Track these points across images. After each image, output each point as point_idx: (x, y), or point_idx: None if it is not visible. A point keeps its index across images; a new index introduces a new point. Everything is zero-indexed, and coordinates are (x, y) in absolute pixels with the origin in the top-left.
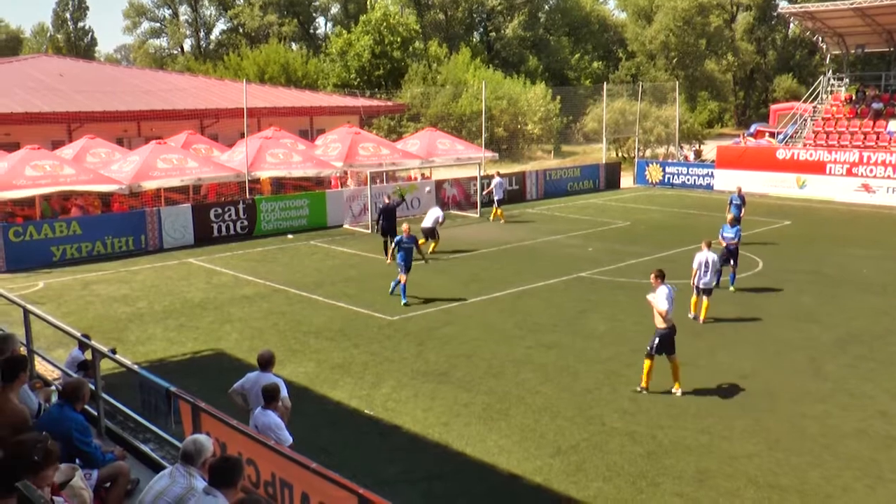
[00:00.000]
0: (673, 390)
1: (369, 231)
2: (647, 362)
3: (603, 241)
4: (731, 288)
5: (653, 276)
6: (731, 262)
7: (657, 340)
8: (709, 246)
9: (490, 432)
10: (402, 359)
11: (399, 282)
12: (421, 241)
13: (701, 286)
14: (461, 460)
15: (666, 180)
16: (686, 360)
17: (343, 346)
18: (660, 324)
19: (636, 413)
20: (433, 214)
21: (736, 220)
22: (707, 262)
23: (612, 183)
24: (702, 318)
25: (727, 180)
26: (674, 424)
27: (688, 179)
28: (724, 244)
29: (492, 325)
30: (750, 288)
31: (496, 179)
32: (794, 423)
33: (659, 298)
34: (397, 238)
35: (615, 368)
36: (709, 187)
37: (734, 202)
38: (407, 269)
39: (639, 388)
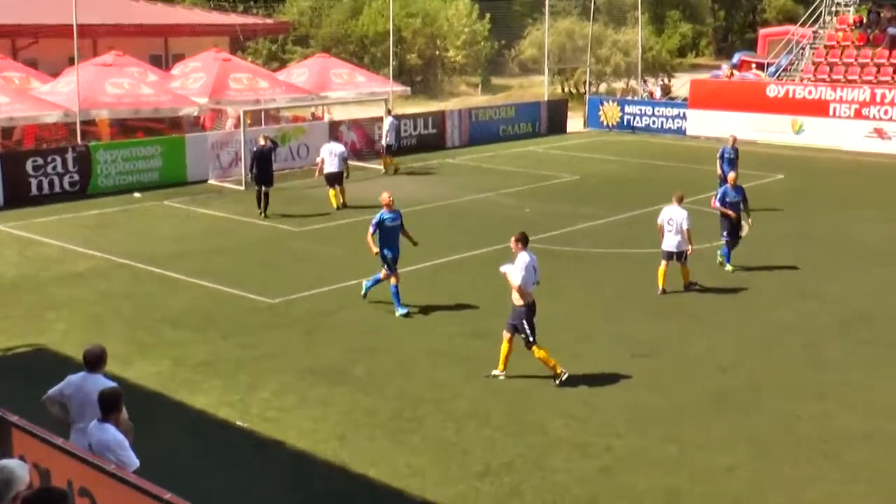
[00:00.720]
0: (494, 372)
1: (242, 187)
2: (536, 351)
3: (544, 201)
4: (729, 266)
5: (513, 239)
6: (733, 234)
7: (528, 323)
8: (680, 201)
9: (399, 448)
10: (286, 353)
11: (378, 279)
12: (332, 192)
13: (667, 249)
14: (362, 484)
15: (625, 123)
16: (649, 348)
17: (209, 338)
18: (517, 300)
19: (586, 418)
20: (334, 151)
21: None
22: (674, 221)
23: (557, 126)
24: (685, 282)
25: (703, 123)
26: (634, 431)
27: (653, 122)
28: (726, 211)
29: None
30: (734, 255)
31: (388, 120)
32: (787, 425)
33: (514, 270)
34: (377, 217)
35: (560, 361)
36: (680, 132)
37: (726, 156)
38: (394, 260)
39: (495, 373)
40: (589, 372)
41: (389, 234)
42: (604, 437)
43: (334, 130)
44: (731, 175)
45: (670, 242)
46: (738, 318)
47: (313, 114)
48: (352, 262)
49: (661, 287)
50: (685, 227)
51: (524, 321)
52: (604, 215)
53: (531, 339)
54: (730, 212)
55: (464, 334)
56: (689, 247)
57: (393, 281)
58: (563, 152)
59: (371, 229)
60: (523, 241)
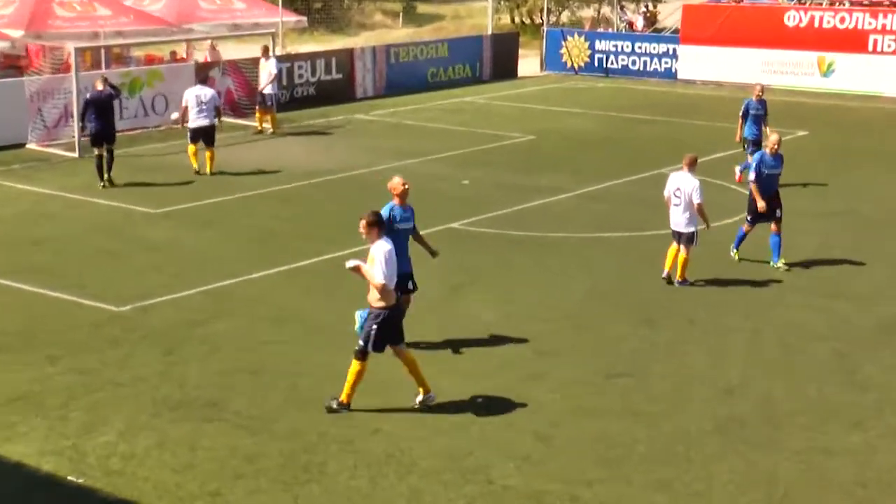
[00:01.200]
0: (417, 399)
1: (75, 153)
2: (355, 365)
3: (488, 169)
4: (778, 263)
5: (364, 222)
6: (760, 218)
7: (375, 329)
8: (691, 165)
9: None
10: (137, 380)
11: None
12: (192, 148)
13: (674, 228)
14: None
15: (596, 64)
16: (630, 364)
17: (29, 362)
18: (375, 301)
19: (544, 459)
20: (203, 97)
21: (758, 144)
22: (682, 192)
23: (505, 69)
24: (677, 276)
25: (700, 63)
26: (609, 476)
27: (633, 63)
28: (757, 196)
29: (295, 317)
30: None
31: (269, 64)
32: (813, 464)
33: (375, 267)
34: (386, 210)
35: (508, 383)
36: (669, 75)
37: (752, 112)
38: (405, 282)
39: (335, 405)
40: (549, 396)
41: (398, 242)
42: (568, 484)
43: (203, 76)
44: (773, 138)
45: (677, 220)
46: (749, 322)
47: (174, 53)
48: (229, 253)
49: (666, 270)
50: (696, 200)
51: (374, 325)
52: (569, 187)
53: (366, 347)
54: (759, 200)
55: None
56: (704, 225)
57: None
58: (513, 104)
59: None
60: (378, 224)
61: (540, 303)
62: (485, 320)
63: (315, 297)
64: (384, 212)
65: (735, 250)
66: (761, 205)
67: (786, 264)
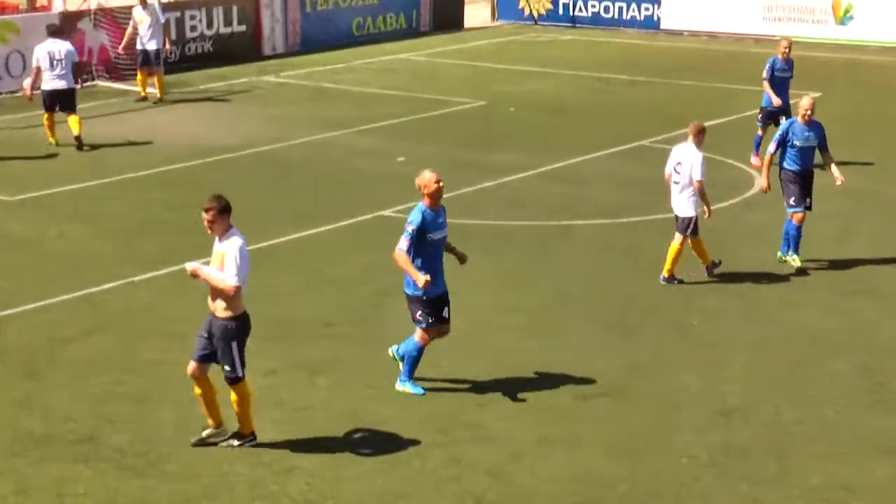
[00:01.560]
0: (233, 443)
1: None
2: (238, 391)
3: (430, 143)
4: (794, 259)
5: (211, 212)
6: (803, 199)
7: (236, 349)
8: (697, 136)
9: None
10: None
11: (419, 345)
12: (47, 117)
13: (676, 213)
14: None
15: (561, 11)
16: (607, 383)
17: None
18: (222, 311)
19: (500, 501)
20: (57, 54)
21: (787, 111)
22: (683, 168)
23: (448, 18)
24: (663, 272)
25: (688, 10)
26: None
27: (606, 9)
28: (766, 160)
29: (190, 331)
30: (742, 227)
31: (148, 12)
32: None
33: (227, 267)
34: (415, 218)
35: (456, 408)
36: (650, 24)
37: (777, 73)
38: (436, 304)
39: (219, 436)
40: (507, 424)
41: (432, 251)
42: None
43: (55, 28)
44: (805, 101)
45: (678, 203)
46: (751, 329)
47: (32, 0)
48: (104, 251)
49: (665, 271)
50: (696, 176)
51: (235, 343)
52: (530, 165)
53: (238, 372)
54: (764, 175)
55: (291, 366)
56: (705, 209)
57: (422, 338)
58: (459, 62)
59: (404, 243)
60: (228, 211)
61: (495, 307)
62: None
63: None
64: (414, 218)
65: (794, 255)
66: (763, 184)
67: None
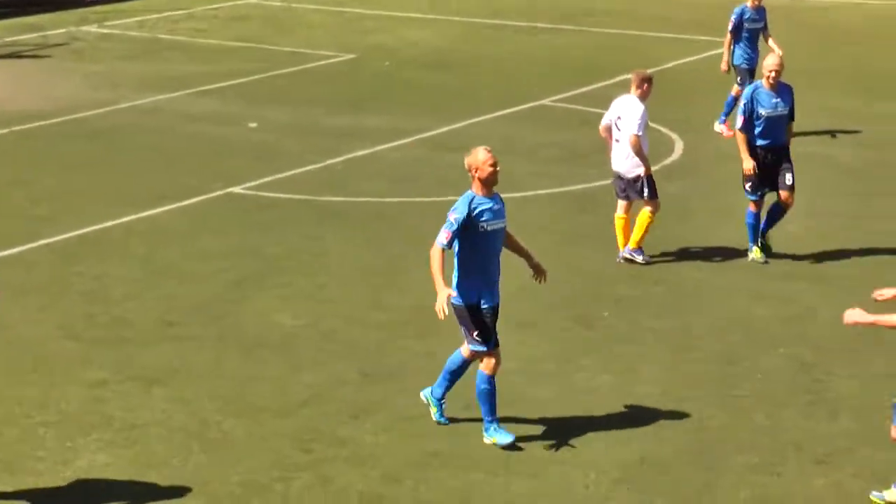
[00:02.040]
0: None
1: None
2: None
3: (288, 105)
4: (753, 250)
5: None
6: (785, 179)
7: None
8: (641, 87)
9: None
10: None
11: (463, 363)
12: None
13: (615, 169)
14: None
15: None
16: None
17: None
18: None
19: None
20: None
21: (751, 73)
22: (625, 122)
23: None
24: (632, 245)
25: None
26: None
27: None
28: (743, 138)
29: None
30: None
31: None
32: None
33: None
34: (461, 207)
35: (319, 421)
36: None
37: (746, 23)
38: (492, 316)
39: None
40: (382, 438)
41: (486, 247)
42: None
43: None
44: (771, 60)
45: (618, 161)
46: (672, 320)
47: None
48: None
49: (620, 249)
50: (633, 130)
51: None
52: (409, 130)
53: None
54: (745, 157)
55: (126, 375)
56: (643, 168)
57: (487, 366)
58: (322, 7)
59: (443, 236)
60: None
61: (367, 301)
62: (284, 327)
63: (27, 303)
64: (460, 207)
65: (754, 248)
66: (747, 165)
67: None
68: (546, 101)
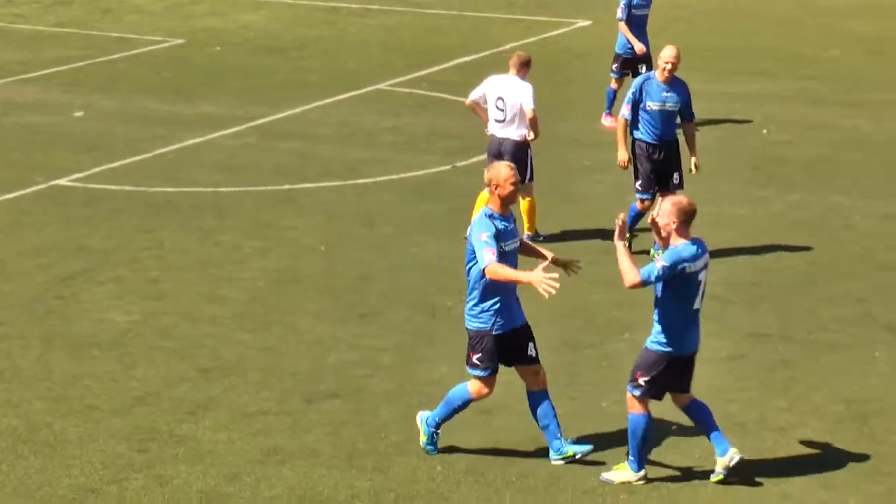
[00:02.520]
0: None
1: None
2: None
3: (115, 93)
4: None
5: None
6: (657, 182)
7: None
8: (522, 68)
9: None
10: None
11: (467, 401)
12: None
13: (498, 135)
14: None
15: None
16: (342, 384)
17: None
18: None
19: None
20: None
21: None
22: (506, 101)
23: None
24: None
25: None
26: None
27: None
28: (623, 125)
29: None
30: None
31: None
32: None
33: None
34: (483, 222)
35: (155, 419)
36: None
37: (635, 7)
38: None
39: None
40: (223, 436)
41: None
42: None
43: None
44: (667, 52)
45: (499, 129)
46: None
47: None
48: None
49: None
50: (529, 105)
51: None
52: (243, 117)
53: None
54: (621, 147)
55: None
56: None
57: (475, 390)
58: None
59: (490, 255)
60: None
61: (202, 295)
62: (116, 324)
63: None
64: (486, 224)
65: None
66: (621, 156)
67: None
68: (382, 86)
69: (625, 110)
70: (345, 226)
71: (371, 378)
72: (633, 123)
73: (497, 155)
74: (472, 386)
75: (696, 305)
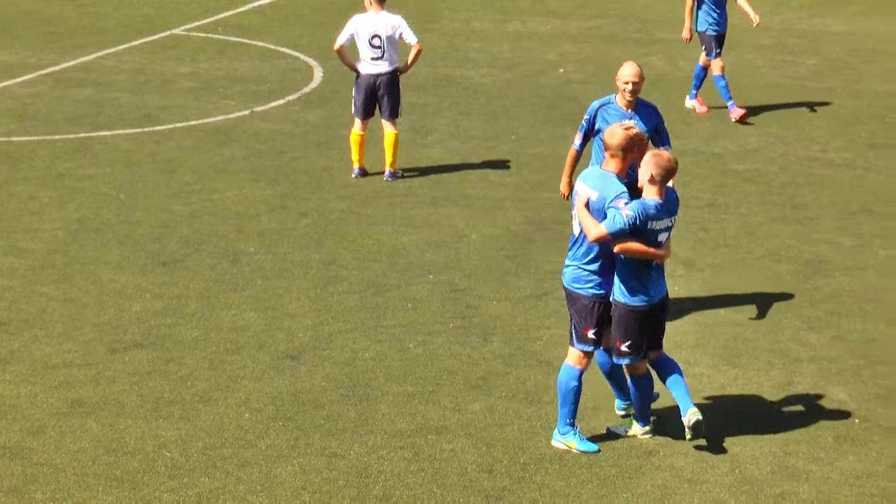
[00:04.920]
0: None
1: None
2: None
3: None
4: None
5: None
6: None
7: None
8: (380, 3)
9: None
10: None
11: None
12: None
13: (370, 71)
14: None
15: None
16: (145, 333)
17: None
18: None
19: (19, 486)
20: None
21: (718, 39)
22: (382, 37)
23: None
24: (357, 162)
25: None
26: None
27: None
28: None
29: None
30: (301, 128)
31: None
32: (419, 449)
33: None
34: (633, 212)
35: None
36: None
37: None
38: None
39: None
40: (24, 390)
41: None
42: None
43: None
44: (627, 71)
45: (376, 66)
46: (320, 252)
47: None
48: None
49: (357, 164)
50: (414, 39)
51: None
52: (33, 65)
53: None
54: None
55: None
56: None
57: (578, 362)
58: None
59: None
60: None
61: None
62: None
63: None
64: (632, 211)
65: None
66: (562, 189)
67: None
68: (178, 31)
69: (576, 140)
70: (143, 173)
71: (175, 326)
72: (582, 145)
73: (372, 91)
74: (574, 359)
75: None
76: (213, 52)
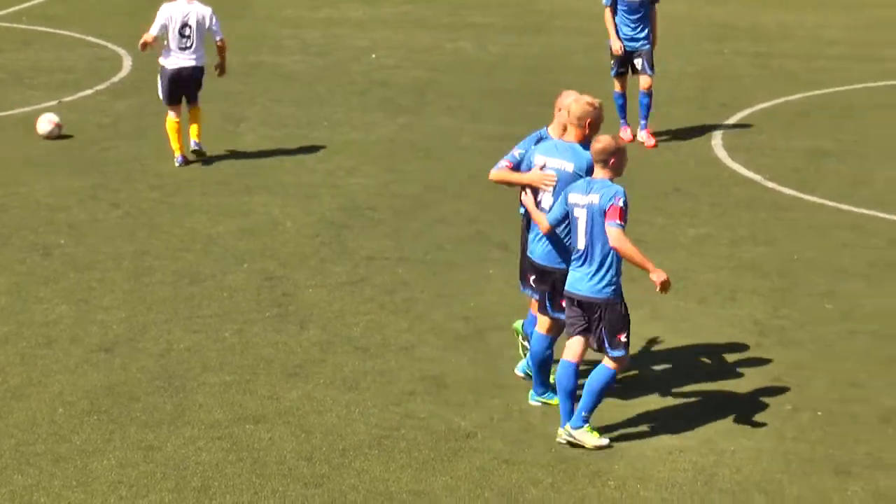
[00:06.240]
0: None
1: None
2: None
3: None
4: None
5: None
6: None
7: None
8: None
9: None
10: None
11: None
12: None
13: (179, 65)
14: None
15: None
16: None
17: None
18: None
19: None
20: None
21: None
22: (192, 27)
23: None
24: (177, 151)
25: None
26: None
27: None
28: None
29: None
30: (111, 118)
31: None
32: (237, 440)
33: None
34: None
35: None
36: None
37: None
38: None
39: None
40: None
41: None
42: None
43: None
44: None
45: (188, 62)
46: (133, 243)
47: None
48: None
49: (179, 154)
50: (220, 34)
51: None
52: None
53: None
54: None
55: None
56: (219, 70)
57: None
58: None
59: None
60: None
61: None
62: None
63: None
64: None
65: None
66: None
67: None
68: None
69: (504, 163)
70: None
71: None
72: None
73: (177, 83)
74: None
75: (577, 244)
76: (18, 43)
